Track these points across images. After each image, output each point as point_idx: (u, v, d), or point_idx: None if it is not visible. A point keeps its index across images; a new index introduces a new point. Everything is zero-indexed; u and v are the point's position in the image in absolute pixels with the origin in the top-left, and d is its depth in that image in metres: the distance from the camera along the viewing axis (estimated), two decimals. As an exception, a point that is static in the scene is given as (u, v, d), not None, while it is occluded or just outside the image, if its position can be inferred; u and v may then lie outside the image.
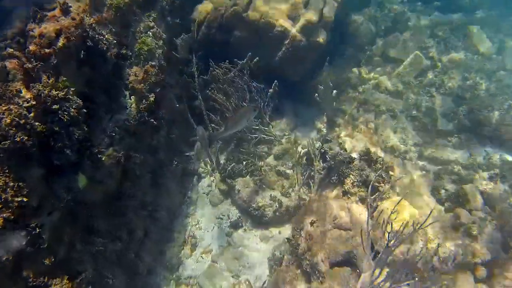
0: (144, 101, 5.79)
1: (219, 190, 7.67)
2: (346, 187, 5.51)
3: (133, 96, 5.70)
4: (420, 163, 7.30)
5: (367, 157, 5.75)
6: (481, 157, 7.31)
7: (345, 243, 4.95)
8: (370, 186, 5.01)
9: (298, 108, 8.76)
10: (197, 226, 7.51)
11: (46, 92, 3.76)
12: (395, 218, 4.70)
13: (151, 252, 6.89)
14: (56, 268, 4.37)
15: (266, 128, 7.88)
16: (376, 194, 5.23)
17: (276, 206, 6.93)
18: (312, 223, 5.35)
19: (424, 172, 6.42)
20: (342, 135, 7.80)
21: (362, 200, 5.33)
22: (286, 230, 7.01)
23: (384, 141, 7.55)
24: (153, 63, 5.95)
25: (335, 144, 7.19)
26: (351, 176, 5.54)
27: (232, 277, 6.82)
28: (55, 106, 3.76)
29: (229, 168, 7.44)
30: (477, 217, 5.32)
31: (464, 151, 7.43)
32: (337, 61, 8.61)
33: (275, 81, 7.59)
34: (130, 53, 5.61)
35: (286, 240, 5.97)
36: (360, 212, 5.17)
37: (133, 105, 5.69)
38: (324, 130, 7.86)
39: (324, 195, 5.86)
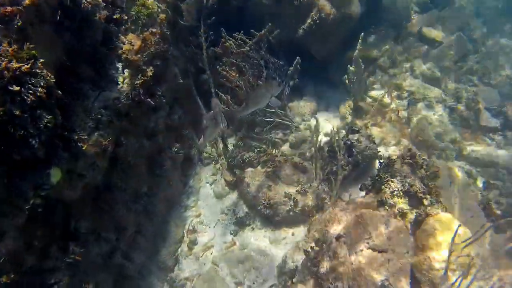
0: (140, 75, 4.76)
1: (225, 180, 6.68)
2: (384, 196, 4.49)
3: (127, 70, 4.69)
4: (458, 163, 6.28)
5: (411, 161, 4.71)
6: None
7: (380, 268, 3.97)
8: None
9: (322, 89, 7.70)
10: (198, 220, 6.57)
11: (3, 64, 2.73)
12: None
13: (144, 250, 5.99)
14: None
15: (282, 112, 6.83)
16: (421, 209, 4.24)
17: (290, 205, 5.96)
18: (338, 238, 4.37)
19: (469, 179, 5.38)
20: (369, 124, 6.75)
21: (403, 215, 4.32)
22: (301, 233, 6.07)
23: (417, 135, 6.51)
24: (154, 30, 4.87)
25: (362, 135, 6.13)
26: (390, 183, 4.52)
27: (235, 283, 5.92)
28: (15, 85, 2.73)
29: (238, 157, 6.43)
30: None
31: (510, 151, 6.40)
32: (368, 38, 7.43)
33: (297, 57, 6.50)
34: (126, 17, 4.54)
35: (303, 251, 5.01)
36: (400, 228, 4.18)
37: (127, 80, 4.69)
38: (349, 117, 6.80)
39: (353, 202, 4.85)
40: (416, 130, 6.56)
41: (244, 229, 6.33)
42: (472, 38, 7.82)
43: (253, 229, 6.29)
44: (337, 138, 6.20)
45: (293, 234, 6.10)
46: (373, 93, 7.20)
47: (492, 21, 7.99)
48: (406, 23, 8.15)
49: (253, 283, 5.87)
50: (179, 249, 6.40)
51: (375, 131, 6.76)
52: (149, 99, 4.93)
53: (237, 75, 6.30)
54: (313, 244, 4.79)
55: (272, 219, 6.16)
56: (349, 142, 6.06)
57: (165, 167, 6.06)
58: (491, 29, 8.02)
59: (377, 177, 4.70)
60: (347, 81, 6.35)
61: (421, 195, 4.40)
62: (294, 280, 5.26)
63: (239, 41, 6.39)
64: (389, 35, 7.72)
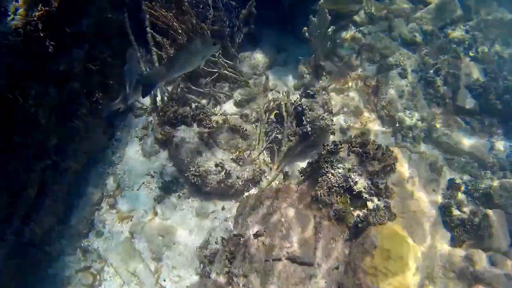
0: (40, 5, 3.71)
1: (155, 138, 5.70)
2: (320, 192, 3.56)
3: None
4: (424, 148, 5.40)
5: (361, 150, 3.74)
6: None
7: (299, 286, 3.11)
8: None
9: (283, 40, 6.57)
10: (121, 180, 5.65)
11: None
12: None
13: (52, 213, 5.13)
14: None
15: (229, 62, 5.76)
16: (364, 214, 3.36)
17: (222, 177, 5.05)
18: (257, 236, 3.49)
19: (433, 174, 4.45)
20: (330, 87, 5.75)
21: (341, 219, 3.42)
22: (232, 207, 5.22)
23: (384, 107, 5.56)
24: None
25: (317, 102, 5.15)
26: (330, 176, 3.58)
27: (152, 259, 5.13)
28: None
29: (169, 112, 5.42)
30: (501, 273, 3.50)
31: (484, 141, 5.51)
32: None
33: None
34: None
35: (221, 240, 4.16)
36: (333, 235, 3.30)
37: (20, 10, 3.60)
38: (308, 77, 5.78)
39: (286, 189, 3.93)
40: (383, 102, 5.60)
41: (169, 196, 5.47)
42: (466, 3, 6.66)
43: (179, 197, 5.44)
44: (286, 101, 5.22)
45: (223, 208, 5.27)
46: (342, 51, 6.13)
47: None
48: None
49: (172, 261, 5.09)
50: (96, 213, 5.54)
51: (336, 97, 5.78)
52: (47, 40, 3.86)
53: (172, 16, 5.16)
54: (235, 232, 3.94)
55: (202, 189, 5.27)
56: (299, 109, 5.09)
57: (79, 117, 5.04)
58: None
59: (315, 164, 3.76)
60: (306, 34, 5.26)
61: (366, 195, 3.49)
62: (211, 268, 4.46)
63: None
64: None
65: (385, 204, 3.51)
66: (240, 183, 5.14)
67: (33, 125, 4.34)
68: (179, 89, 5.58)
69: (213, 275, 4.09)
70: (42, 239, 5.11)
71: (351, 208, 3.54)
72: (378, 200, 3.55)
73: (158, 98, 5.73)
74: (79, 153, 5.36)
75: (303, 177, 4.05)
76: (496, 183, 4.74)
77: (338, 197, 3.50)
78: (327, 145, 3.89)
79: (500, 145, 5.49)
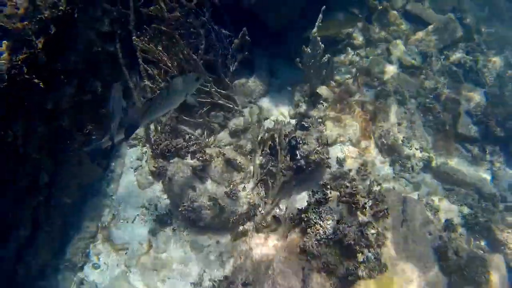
0: (25, 49, 3.73)
1: (150, 169, 5.65)
2: (308, 243, 3.46)
3: (4, 42, 3.57)
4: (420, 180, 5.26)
5: (351, 200, 3.63)
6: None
7: None
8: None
9: (277, 65, 6.45)
10: (117, 213, 5.62)
11: None
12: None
13: (46, 248, 5.13)
14: None
15: (223, 92, 5.67)
16: (353, 266, 3.25)
17: (216, 212, 4.99)
18: (244, 284, 3.42)
19: (429, 214, 4.32)
20: (327, 115, 5.63)
21: (330, 271, 3.32)
22: (228, 242, 5.15)
23: (382, 136, 5.43)
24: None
25: (312, 135, 5.04)
26: (318, 227, 3.48)
27: (146, 295, 5.10)
28: None
29: (162, 145, 5.36)
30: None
31: (485, 170, 5.35)
32: (338, 8, 6.07)
33: (244, 28, 5.28)
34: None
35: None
36: None
37: (4, 55, 3.58)
38: (303, 106, 5.67)
39: (276, 235, 3.84)
40: (381, 131, 5.46)
41: (164, 229, 5.43)
42: (465, 22, 6.45)
43: (174, 230, 5.39)
44: (279, 134, 5.12)
45: (217, 243, 5.20)
46: (338, 77, 6.00)
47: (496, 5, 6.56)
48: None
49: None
50: (91, 245, 5.51)
51: (332, 125, 5.64)
52: (34, 79, 3.84)
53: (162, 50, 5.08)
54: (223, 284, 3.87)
55: (196, 224, 5.21)
56: (293, 142, 4.98)
57: (70, 153, 5.01)
58: (493, 13, 6.59)
59: (303, 215, 3.66)
60: (300, 65, 5.15)
61: (356, 247, 3.38)
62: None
63: (174, 3, 5.09)
64: (364, 6, 6.34)
65: (376, 256, 3.41)
66: (235, 218, 5.06)
67: (23, 162, 4.34)
68: (172, 120, 5.51)
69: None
70: (37, 275, 5.10)
71: (341, 260, 3.43)
72: (369, 251, 3.44)
73: (152, 128, 5.65)
74: (73, 186, 5.34)
75: (292, 224, 3.94)
76: (497, 216, 4.61)
77: (327, 248, 3.41)
78: (317, 192, 3.78)
79: (502, 174, 5.33)
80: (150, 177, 5.67)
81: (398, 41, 6.22)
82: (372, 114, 5.66)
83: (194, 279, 4.96)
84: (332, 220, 3.55)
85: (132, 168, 5.88)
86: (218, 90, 5.60)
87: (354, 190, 3.63)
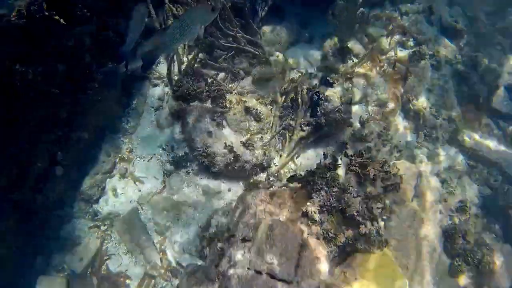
0: None
1: (170, 110, 5.61)
2: (310, 209, 3.37)
3: None
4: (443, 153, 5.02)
5: (360, 171, 3.47)
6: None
7: None
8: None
9: (310, 15, 6.13)
10: (134, 150, 5.67)
11: None
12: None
13: (63, 180, 5.22)
14: None
15: (250, 38, 5.46)
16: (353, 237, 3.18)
17: (229, 160, 4.95)
18: (244, 240, 3.41)
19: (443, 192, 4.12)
20: (355, 71, 5.38)
21: (329, 240, 3.25)
22: (239, 190, 5.17)
23: (410, 100, 5.17)
24: None
25: (335, 92, 4.85)
26: (323, 193, 3.37)
27: (156, 232, 5.23)
28: None
29: (183, 87, 5.27)
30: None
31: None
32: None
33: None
34: None
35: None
36: (316, 255, 3.14)
37: None
38: (332, 59, 5.42)
39: (282, 193, 3.77)
40: (410, 95, 5.20)
41: (179, 171, 5.47)
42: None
43: (188, 173, 5.42)
44: (302, 87, 4.94)
45: (229, 190, 5.23)
46: (372, 31, 5.66)
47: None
48: None
49: (175, 236, 5.16)
50: (107, 180, 5.62)
51: (360, 82, 5.39)
52: (56, 16, 3.74)
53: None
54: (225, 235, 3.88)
55: (210, 169, 5.20)
56: (315, 98, 4.81)
57: (90, 91, 4.97)
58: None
59: (310, 179, 3.55)
60: (331, 17, 4.86)
61: (359, 219, 3.28)
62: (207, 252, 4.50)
63: None
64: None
65: (378, 230, 3.31)
66: (248, 167, 5.03)
67: (43, 98, 4.35)
68: (195, 62, 5.37)
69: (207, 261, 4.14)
70: (54, 205, 5.27)
71: (342, 229, 3.35)
72: (372, 224, 3.34)
73: (175, 69, 5.55)
74: (91, 123, 5.37)
75: (300, 184, 3.84)
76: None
77: (329, 216, 3.32)
78: (327, 156, 3.65)
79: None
80: (169, 118, 5.63)
81: (442, 0, 5.77)
82: (403, 76, 5.36)
83: (202, 223, 5.02)
84: (338, 188, 3.44)
85: (153, 107, 5.85)
86: (245, 36, 5.39)
87: (366, 161, 3.46)
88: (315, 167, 3.78)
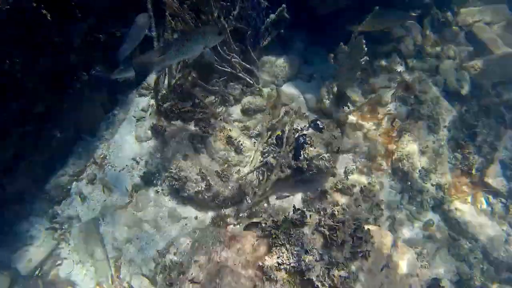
0: None
1: (151, 123, 5.36)
2: (266, 263, 3.08)
3: None
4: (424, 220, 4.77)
5: (329, 233, 3.19)
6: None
7: None
8: None
9: (313, 52, 5.93)
10: (106, 158, 5.41)
11: None
12: None
13: (27, 177, 4.98)
14: None
15: (247, 66, 5.26)
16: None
17: (201, 187, 4.68)
18: (192, 281, 3.12)
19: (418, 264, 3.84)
20: (349, 120, 5.14)
21: None
22: (206, 220, 4.88)
23: (401, 159, 4.92)
24: None
25: (323, 138, 4.62)
26: (283, 250, 3.10)
27: (112, 247, 4.94)
28: None
29: (168, 103, 5.04)
30: None
31: (501, 230, 4.76)
32: (396, 8, 5.41)
33: (283, 5, 4.81)
34: None
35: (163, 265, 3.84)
36: None
37: None
38: (327, 103, 5.19)
39: (239, 240, 3.49)
40: (401, 153, 4.94)
41: (148, 189, 5.18)
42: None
43: (157, 192, 5.15)
44: (290, 126, 4.71)
45: (196, 218, 4.94)
46: (374, 80, 5.45)
47: None
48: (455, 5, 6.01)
49: (132, 255, 4.86)
50: (74, 183, 5.36)
51: (352, 131, 5.16)
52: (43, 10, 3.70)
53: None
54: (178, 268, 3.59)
55: (180, 193, 4.93)
56: (301, 140, 4.56)
57: (71, 90, 4.74)
58: None
59: (273, 232, 3.27)
60: (332, 61, 4.64)
61: (317, 284, 2.98)
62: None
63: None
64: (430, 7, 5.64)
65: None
66: (220, 199, 4.75)
67: (17, 90, 4.13)
68: (185, 80, 5.14)
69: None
70: (13, 199, 5.00)
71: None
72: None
73: (165, 82, 5.32)
74: (68, 122, 5.13)
75: (263, 233, 3.55)
76: (495, 286, 4.12)
77: (286, 275, 3.03)
78: (295, 210, 3.38)
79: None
80: (149, 132, 5.39)
81: (451, 62, 5.54)
82: (398, 133, 5.12)
83: (160, 247, 4.72)
84: (300, 248, 3.15)
85: (135, 117, 5.62)
86: (242, 62, 5.18)
87: (336, 225, 3.18)
88: (282, 218, 3.50)
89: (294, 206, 3.58)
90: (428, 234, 4.61)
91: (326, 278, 2.97)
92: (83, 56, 4.63)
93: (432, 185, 4.83)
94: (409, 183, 4.84)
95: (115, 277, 4.85)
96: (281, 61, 5.53)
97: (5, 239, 5.00)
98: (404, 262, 3.60)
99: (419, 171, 4.86)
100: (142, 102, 5.66)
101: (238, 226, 4.52)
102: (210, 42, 3.63)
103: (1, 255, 4.93)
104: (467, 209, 4.73)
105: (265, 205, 4.79)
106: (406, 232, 4.72)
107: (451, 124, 5.16)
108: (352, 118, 5.18)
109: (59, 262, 5.01)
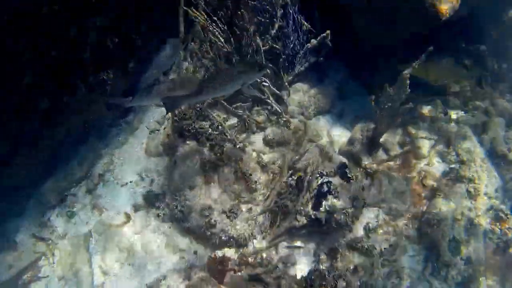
0: None
1: (163, 139, 4.92)
2: None
3: None
4: None
5: None
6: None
7: None
8: None
9: (352, 86, 5.39)
10: (111, 169, 5.01)
11: None
12: None
13: (21, 173, 4.67)
14: None
15: (277, 92, 4.78)
16: None
17: (205, 222, 4.22)
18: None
19: None
20: (380, 168, 4.63)
21: None
22: (206, 255, 4.39)
23: (429, 224, 4.39)
24: None
25: (348, 190, 4.11)
26: None
27: (100, 270, 4.52)
28: None
29: (185, 120, 4.57)
30: None
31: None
32: (446, 51, 4.87)
33: (328, 31, 4.33)
34: None
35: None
36: None
37: None
38: (358, 147, 4.67)
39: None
40: (431, 216, 4.40)
41: (149, 211, 4.75)
42: None
43: (158, 216, 4.69)
44: (314, 169, 4.21)
45: (195, 253, 4.46)
46: (413, 129, 4.92)
47: None
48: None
49: (118, 282, 4.44)
50: (72, 190, 4.98)
51: (380, 183, 4.62)
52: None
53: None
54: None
55: (181, 223, 4.48)
56: (323, 190, 4.06)
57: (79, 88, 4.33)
58: None
59: None
60: (372, 102, 4.14)
61: None
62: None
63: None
64: (477, 69, 5.10)
65: None
66: (223, 238, 4.28)
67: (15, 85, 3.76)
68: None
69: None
70: (9, 193, 4.75)
71: None
72: None
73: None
74: (74, 124, 4.73)
75: None
76: None
77: None
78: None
79: None
80: (160, 147, 4.95)
81: (500, 120, 4.97)
82: (430, 192, 4.58)
83: (150, 282, 4.27)
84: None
85: (148, 128, 5.18)
86: (271, 87, 4.70)
87: None
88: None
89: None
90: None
91: None
92: (96, 56, 4.22)
93: (462, 259, 4.28)
94: (436, 252, 4.31)
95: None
96: (314, 92, 5.03)
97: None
98: None
99: (449, 240, 4.32)
100: (158, 114, 5.22)
101: (239, 273, 4.06)
102: (249, 80, 3.32)
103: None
104: (499, 292, 4.19)
105: (273, 252, 4.31)
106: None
107: (492, 192, 4.59)
108: (383, 168, 4.66)
109: (40, 274, 4.63)
